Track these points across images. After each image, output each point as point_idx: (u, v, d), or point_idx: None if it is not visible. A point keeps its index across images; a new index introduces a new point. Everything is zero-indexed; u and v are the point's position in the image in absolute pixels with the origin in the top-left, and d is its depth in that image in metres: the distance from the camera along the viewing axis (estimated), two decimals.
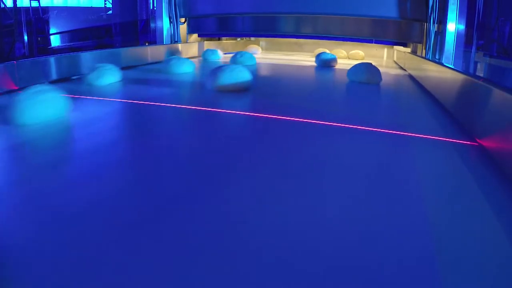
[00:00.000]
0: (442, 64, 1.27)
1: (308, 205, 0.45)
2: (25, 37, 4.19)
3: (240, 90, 1.18)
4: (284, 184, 0.51)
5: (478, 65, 2.79)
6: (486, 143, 0.68)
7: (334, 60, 2.09)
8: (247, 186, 0.50)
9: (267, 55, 2.82)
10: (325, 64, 2.07)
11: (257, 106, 1.06)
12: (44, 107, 0.82)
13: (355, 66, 1.50)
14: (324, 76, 1.76)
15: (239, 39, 3.22)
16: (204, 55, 2.30)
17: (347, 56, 2.83)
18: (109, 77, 1.33)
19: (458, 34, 1.87)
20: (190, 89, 1.40)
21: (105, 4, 5.45)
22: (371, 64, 1.50)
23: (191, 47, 2.45)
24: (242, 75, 1.19)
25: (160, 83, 1.43)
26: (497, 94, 0.66)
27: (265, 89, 1.31)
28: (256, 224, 0.40)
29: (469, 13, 2.02)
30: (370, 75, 1.42)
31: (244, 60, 1.95)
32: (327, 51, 2.60)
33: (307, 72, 1.88)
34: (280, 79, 1.64)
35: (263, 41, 3.30)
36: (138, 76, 1.60)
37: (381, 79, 1.44)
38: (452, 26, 1.85)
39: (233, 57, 2.01)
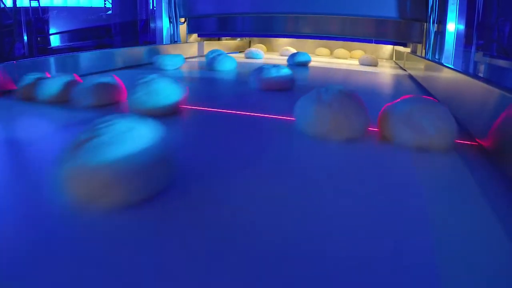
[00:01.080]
0: (441, 64, 1.27)
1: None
2: (25, 37, 4.19)
3: (305, 64, 2.09)
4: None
5: (478, 65, 2.79)
6: (486, 143, 0.68)
7: (347, 54, 2.84)
8: None
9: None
10: (341, 57, 2.84)
11: (316, 70, 1.99)
12: (229, 62, 1.73)
13: (362, 57, 2.38)
14: (344, 62, 2.53)
15: (239, 39, 3.22)
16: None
17: (350, 55, 2.88)
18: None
19: (458, 34, 1.87)
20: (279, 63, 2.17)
21: (105, 4, 5.45)
22: (371, 56, 2.37)
23: (191, 47, 2.45)
24: (307, 57, 2.11)
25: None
26: (497, 94, 0.66)
27: (318, 64, 2.24)
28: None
29: (469, 13, 2.02)
30: (372, 61, 2.30)
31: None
32: (327, 50, 3.00)
33: (334, 60, 2.69)
34: (321, 61, 2.44)
35: (258, 42, 3.29)
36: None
37: (377, 63, 2.32)
38: (452, 26, 1.85)
39: (283, 52, 2.83)
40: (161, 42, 2.38)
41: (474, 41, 2.83)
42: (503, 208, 0.46)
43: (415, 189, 0.51)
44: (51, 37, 5.04)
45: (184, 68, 1.74)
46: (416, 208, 0.45)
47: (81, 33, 5.15)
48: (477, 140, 0.72)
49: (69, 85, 0.97)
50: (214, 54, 1.86)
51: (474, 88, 0.82)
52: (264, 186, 0.48)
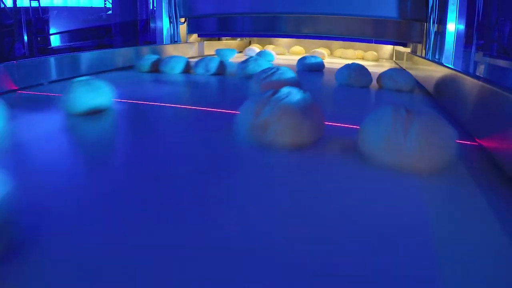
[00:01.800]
0: (441, 64, 1.27)
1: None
2: (25, 37, 4.19)
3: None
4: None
5: (478, 65, 2.79)
6: (486, 143, 0.68)
7: (354, 53, 2.99)
8: None
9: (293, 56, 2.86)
10: (345, 57, 2.99)
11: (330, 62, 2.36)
12: (270, 56, 2.30)
13: (366, 53, 2.85)
14: (346, 61, 2.69)
15: (239, 39, 3.22)
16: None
17: (356, 55, 2.93)
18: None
19: (458, 34, 1.86)
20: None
21: (105, 4, 5.45)
22: (373, 53, 2.82)
23: (192, 47, 2.45)
24: (324, 53, 2.65)
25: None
26: (497, 94, 0.66)
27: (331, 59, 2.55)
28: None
29: (469, 13, 2.02)
30: (373, 57, 2.79)
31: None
32: (328, 50, 2.99)
33: (337, 60, 2.81)
34: (329, 61, 2.57)
35: (257, 42, 3.29)
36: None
37: (378, 58, 2.79)
38: (452, 26, 1.85)
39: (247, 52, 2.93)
40: (161, 42, 2.38)
41: (474, 41, 2.83)
42: (503, 208, 0.46)
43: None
44: (51, 37, 5.04)
45: (237, 59, 2.03)
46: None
47: (81, 33, 5.15)
48: (477, 140, 0.72)
49: (188, 63, 1.59)
50: (251, 51, 2.67)
51: (474, 87, 0.82)
52: None
